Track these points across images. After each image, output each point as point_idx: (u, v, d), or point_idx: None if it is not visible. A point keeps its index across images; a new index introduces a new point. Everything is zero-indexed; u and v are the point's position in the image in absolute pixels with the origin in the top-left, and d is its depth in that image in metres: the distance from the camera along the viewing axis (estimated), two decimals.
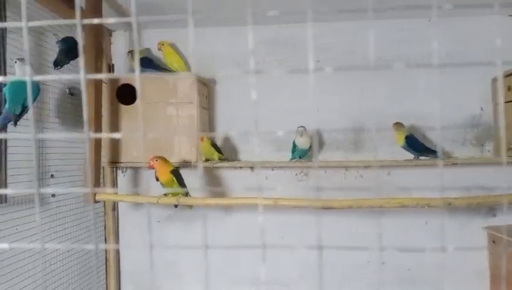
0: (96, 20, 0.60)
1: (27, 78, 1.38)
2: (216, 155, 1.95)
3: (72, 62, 1.81)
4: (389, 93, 2.11)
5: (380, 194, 2.07)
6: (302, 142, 1.92)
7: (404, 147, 1.95)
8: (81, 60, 0.54)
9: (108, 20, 0.81)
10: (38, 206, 0.56)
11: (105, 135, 1.66)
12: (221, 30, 2.19)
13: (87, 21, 0.53)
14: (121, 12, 1.97)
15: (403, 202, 1.41)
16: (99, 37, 1.75)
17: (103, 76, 1.72)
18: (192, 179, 2.17)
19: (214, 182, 2.19)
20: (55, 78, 1.46)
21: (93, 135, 1.63)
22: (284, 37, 2.17)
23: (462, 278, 2.07)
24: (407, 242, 2.10)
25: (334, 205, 1.45)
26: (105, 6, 1.82)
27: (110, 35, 2.20)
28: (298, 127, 1.93)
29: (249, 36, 0.62)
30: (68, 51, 1.76)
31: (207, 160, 1.99)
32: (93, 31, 1.73)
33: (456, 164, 1.94)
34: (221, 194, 2.17)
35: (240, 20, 2.12)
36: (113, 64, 2.17)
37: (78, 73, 1.72)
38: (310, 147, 1.95)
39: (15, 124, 1.52)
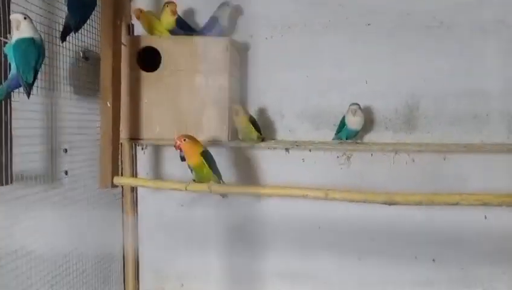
0: None
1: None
2: (255, 134, 1.69)
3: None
4: (448, 64, 1.81)
5: (434, 182, 1.82)
6: (355, 122, 1.66)
7: None
8: None
9: None
10: None
11: None
12: None
13: None
14: None
15: (484, 199, 1.15)
16: None
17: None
18: (220, 160, 1.94)
19: (242, 165, 1.95)
20: None
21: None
22: None
23: None
24: (462, 237, 1.85)
25: (399, 200, 1.20)
26: None
27: None
28: (351, 105, 1.66)
29: None
30: (76, 11, 1.47)
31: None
32: None
33: None
34: (253, 179, 1.93)
35: None
36: (133, 25, 1.89)
37: (95, 34, 1.41)
38: (362, 127, 1.69)
39: (28, 95, 1.25)
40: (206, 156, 1.47)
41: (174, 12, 1.73)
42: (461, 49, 1.80)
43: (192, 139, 1.47)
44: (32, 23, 1.29)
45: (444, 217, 1.82)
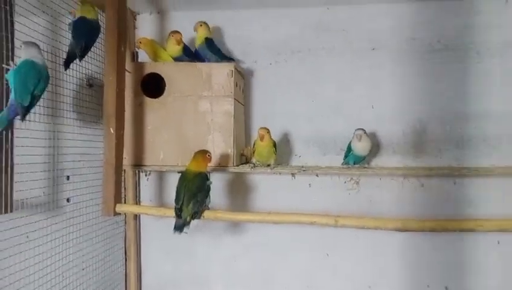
0: None
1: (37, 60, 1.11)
2: (273, 158, 1.66)
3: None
4: (455, 87, 1.79)
5: (444, 208, 1.78)
6: (360, 148, 1.61)
7: None
8: None
9: None
10: None
11: None
12: (259, 12, 1.90)
13: None
14: None
15: (501, 225, 1.10)
16: (122, 17, 1.48)
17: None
18: (225, 185, 1.91)
19: (247, 190, 1.91)
20: None
21: None
22: (333, 21, 1.87)
23: None
24: (475, 263, 1.78)
25: (412, 227, 1.15)
26: None
27: (134, 18, 1.93)
28: (356, 130, 1.62)
29: None
30: (80, 38, 1.47)
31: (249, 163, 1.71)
32: (115, 10, 1.46)
33: None
34: (259, 205, 1.89)
35: (280, 1, 1.83)
36: (137, 52, 1.90)
37: (99, 61, 1.40)
38: (370, 152, 1.65)
39: (23, 118, 1.23)
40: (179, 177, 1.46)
41: (178, 41, 1.73)
42: (467, 71, 1.78)
43: (200, 157, 1.47)
44: (35, 47, 1.28)
45: (455, 243, 1.77)
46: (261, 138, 1.62)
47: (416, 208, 1.79)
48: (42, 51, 1.42)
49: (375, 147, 1.81)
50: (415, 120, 1.82)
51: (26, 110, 1.22)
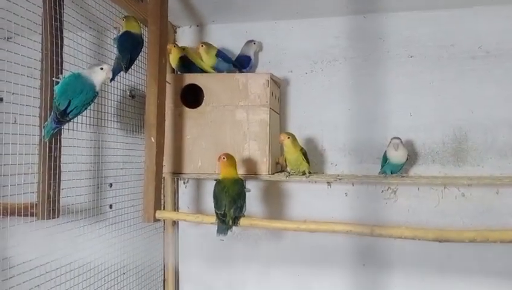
0: None
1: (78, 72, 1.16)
2: (305, 166, 1.67)
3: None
4: (498, 94, 1.74)
5: (485, 218, 1.72)
6: (397, 157, 1.60)
7: None
8: None
9: None
10: None
11: None
12: (295, 23, 1.92)
13: None
14: (189, 5, 1.77)
15: None
16: (163, 32, 1.54)
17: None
18: (260, 193, 1.93)
19: (282, 198, 1.92)
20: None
21: None
22: (369, 29, 1.86)
23: None
24: None
25: (452, 237, 1.13)
26: None
27: (175, 31, 2.00)
28: (392, 139, 1.61)
29: None
30: (127, 51, 1.54)
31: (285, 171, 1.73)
32: (157, 25, 1.52)
33: None
34: (294, 214, 1.90)
35: (316, 11, 1.84)
36: None
37: (141, 73, 1.46)
38: (406, 160, 1.63)
39: (57, 120, 1.26)
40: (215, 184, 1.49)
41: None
42: (508, 76, 1.73)
43: (229, 160, 1.49)
44: (94, 66, 1.36)
45: (497, 255, 1.70)
46: (280, 142, 1.63)
47: (457, 218, 1.75)
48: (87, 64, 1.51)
49: (414, 156, 1.78)
50: (455, 128, 1.78)
51: (62, 115, 1.26)
